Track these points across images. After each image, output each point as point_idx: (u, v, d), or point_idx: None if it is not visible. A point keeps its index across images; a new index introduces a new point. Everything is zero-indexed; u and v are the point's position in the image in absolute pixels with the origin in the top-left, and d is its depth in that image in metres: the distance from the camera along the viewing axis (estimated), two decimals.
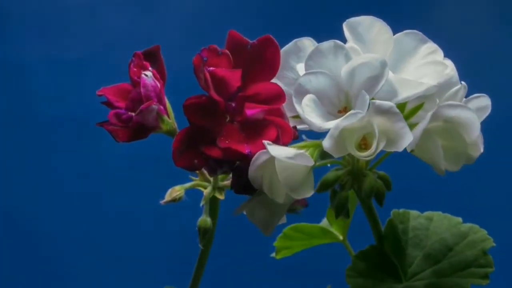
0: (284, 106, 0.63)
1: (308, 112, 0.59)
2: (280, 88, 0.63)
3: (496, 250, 0.67)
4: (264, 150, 0.59)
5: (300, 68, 0.62)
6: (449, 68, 0.62)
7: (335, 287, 0.75)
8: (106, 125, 0.65)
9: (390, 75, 0.60)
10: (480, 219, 0.70)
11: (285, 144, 0.62)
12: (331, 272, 0.78)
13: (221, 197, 0.69)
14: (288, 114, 0.64)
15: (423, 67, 0.62)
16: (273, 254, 0.79)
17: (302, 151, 0.61)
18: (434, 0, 1.56)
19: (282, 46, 0.65)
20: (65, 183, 1.50)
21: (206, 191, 0.69)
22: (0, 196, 1.50)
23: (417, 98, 0.61)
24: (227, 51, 0.64)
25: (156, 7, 1.55)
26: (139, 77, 0.65)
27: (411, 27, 0.64)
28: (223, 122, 0.63)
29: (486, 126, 0.62)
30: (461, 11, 1.55)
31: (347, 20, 0.63)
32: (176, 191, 0.69)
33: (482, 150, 0.62)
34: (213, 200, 0.69)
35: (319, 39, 0.63)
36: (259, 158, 0.60)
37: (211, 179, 0.69)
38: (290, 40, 0.66)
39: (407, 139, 0.58)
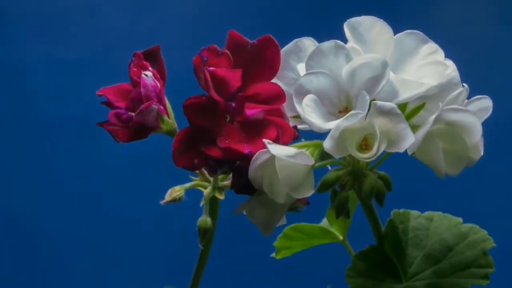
0: (285, 106, 0.63)
1: (309, 112, 0.59)
2: (280, 88, 0.63)
3: (496, 251, 0.67)
4: (264, 150, 0.59)
5: (301, 68, 0.62)
6: (450, 69, 0.62)
7: (335, 287, 0.75)
8: (106, 125, 0.65)
9: (391, 75, 0.60)
10: (480, 219, 0.70)
11: (285, 144, 0.62)
12: (331, 272, 0.78)
13: (221, 197, 0.69)
14: (289, 114, 0.64)
15: (424, 67, 0.62)
16: (273, 254, 0.79)
17: (302, 150, 0.61)
18: (434, 0, 1.56)
19: (282, 46, 0.65)
20: (65, 183, 1.50)
21: (206, 191, 0.69)
22: (0, 196, 1.49)
23: (418, 98, 0.61)
24: (227, 51, 0.64)
25: (156, 7, 1.55)
26: (139, 77, 0.65)
27: (412, 27, 0.64)
28: (223, 122, 0.63)
29: (486, 126, 0.62)
30: (461, 11, 1.55)
31: (348, 20, 0.63)
32: (176, 191, 0.69)
33: (482, 153, 0.62)
34: (213, 200, 0.69)
35: (319, 39, 0.63)
36: (259, 157, 0.60)
37: (211, 179, 0.69)
38: (290, 40, 0.65)
39: (408, 140, 0.58)
